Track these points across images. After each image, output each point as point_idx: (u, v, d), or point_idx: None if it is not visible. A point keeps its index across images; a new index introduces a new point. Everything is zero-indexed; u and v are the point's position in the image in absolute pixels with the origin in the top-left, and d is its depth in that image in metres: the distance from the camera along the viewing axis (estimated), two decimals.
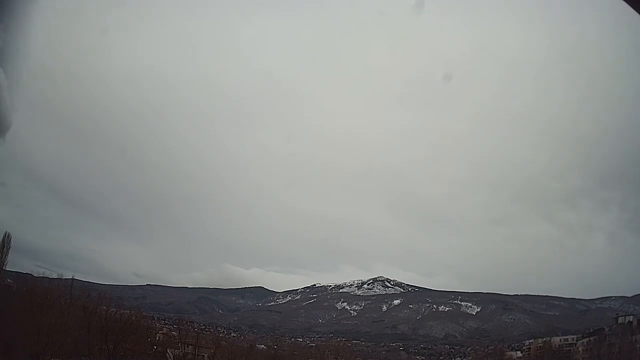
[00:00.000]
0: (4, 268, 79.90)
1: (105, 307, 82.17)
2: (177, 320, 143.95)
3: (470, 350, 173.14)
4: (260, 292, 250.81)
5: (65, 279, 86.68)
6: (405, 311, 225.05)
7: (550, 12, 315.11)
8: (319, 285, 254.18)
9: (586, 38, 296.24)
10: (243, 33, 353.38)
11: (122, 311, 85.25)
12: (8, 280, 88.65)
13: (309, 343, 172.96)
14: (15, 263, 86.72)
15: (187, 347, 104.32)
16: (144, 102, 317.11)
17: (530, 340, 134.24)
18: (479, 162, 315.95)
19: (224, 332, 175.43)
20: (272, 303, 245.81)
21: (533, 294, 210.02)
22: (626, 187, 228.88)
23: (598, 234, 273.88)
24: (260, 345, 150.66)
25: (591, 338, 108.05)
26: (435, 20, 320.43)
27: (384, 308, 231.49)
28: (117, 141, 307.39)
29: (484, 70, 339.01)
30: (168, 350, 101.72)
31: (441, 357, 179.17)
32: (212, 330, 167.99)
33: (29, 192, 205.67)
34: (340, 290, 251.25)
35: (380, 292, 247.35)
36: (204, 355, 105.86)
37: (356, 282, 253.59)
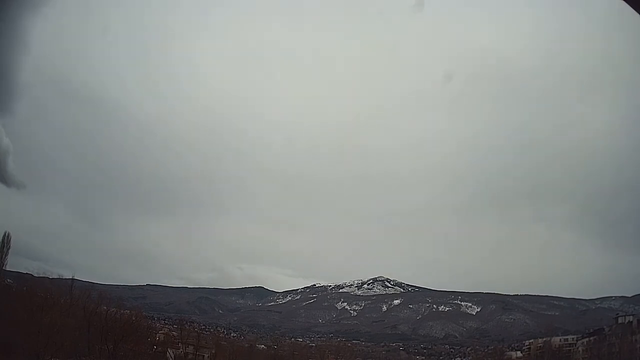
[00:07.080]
0: (4, 268, 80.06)
1: (105, 307, 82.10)
2: (177, 321, 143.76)
3: (470, 350, 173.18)
4: (260, 292, 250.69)
5: (65, 279, 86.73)
6: (405, 311, 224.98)
7: (550, 12, 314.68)
8: (319, 285, 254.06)
9: (586, 38, 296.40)
10: (242, 33, 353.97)
11: (122, 311, 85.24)
12: (8, 280, 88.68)
13: (309, 343, 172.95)
14: (15, 263, 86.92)
15: (188, 347, 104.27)
16: (150, 108, 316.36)
17: (530, 340, 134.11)
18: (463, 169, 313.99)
19: (224, 332, 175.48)
20: (272, 303, 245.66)
21: (533, 294, 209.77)
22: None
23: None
24: (260, 345, 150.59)
25: (591, 338, 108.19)
26: (435, 20, 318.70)
27: (384, 308, 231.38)
28: (121, 143, 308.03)
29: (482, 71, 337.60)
30: (168, 350, 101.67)
31: (441, 357, 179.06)
32: (212, 330, 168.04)
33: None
34: (340, 290, 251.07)
35: (380, 292, 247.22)
36: (204, 356, 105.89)
37: (356, 282, 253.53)
